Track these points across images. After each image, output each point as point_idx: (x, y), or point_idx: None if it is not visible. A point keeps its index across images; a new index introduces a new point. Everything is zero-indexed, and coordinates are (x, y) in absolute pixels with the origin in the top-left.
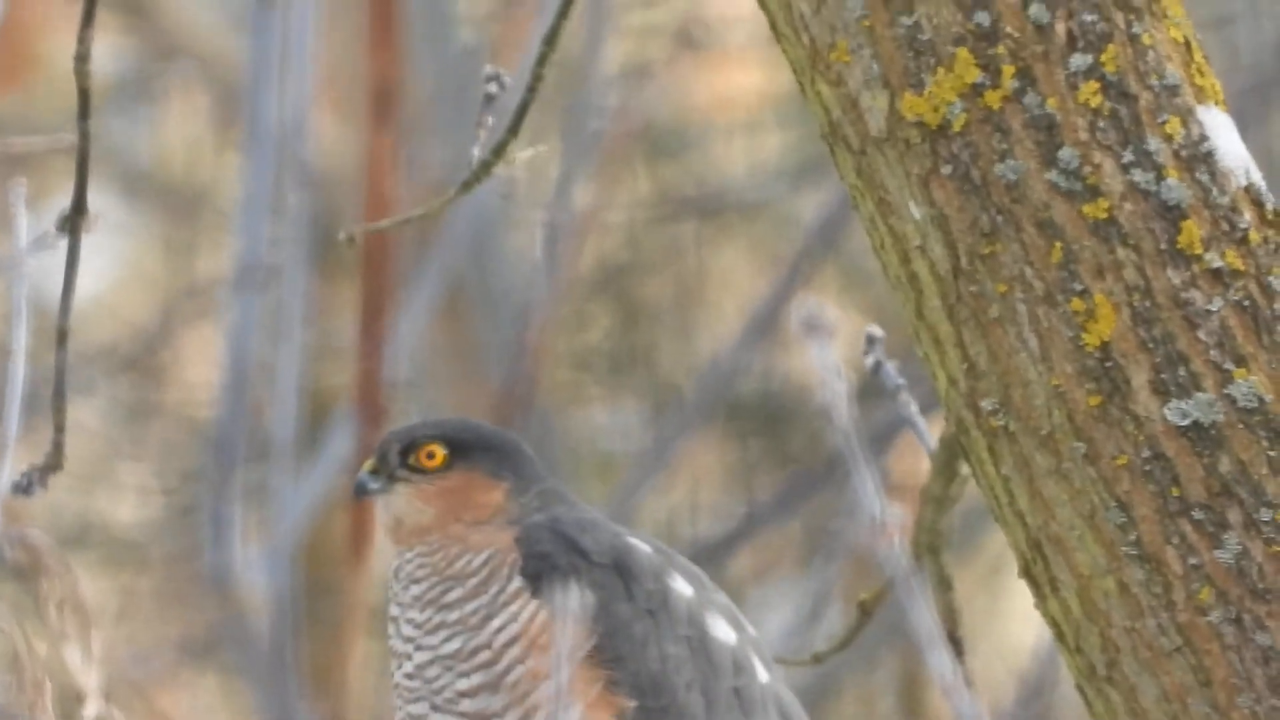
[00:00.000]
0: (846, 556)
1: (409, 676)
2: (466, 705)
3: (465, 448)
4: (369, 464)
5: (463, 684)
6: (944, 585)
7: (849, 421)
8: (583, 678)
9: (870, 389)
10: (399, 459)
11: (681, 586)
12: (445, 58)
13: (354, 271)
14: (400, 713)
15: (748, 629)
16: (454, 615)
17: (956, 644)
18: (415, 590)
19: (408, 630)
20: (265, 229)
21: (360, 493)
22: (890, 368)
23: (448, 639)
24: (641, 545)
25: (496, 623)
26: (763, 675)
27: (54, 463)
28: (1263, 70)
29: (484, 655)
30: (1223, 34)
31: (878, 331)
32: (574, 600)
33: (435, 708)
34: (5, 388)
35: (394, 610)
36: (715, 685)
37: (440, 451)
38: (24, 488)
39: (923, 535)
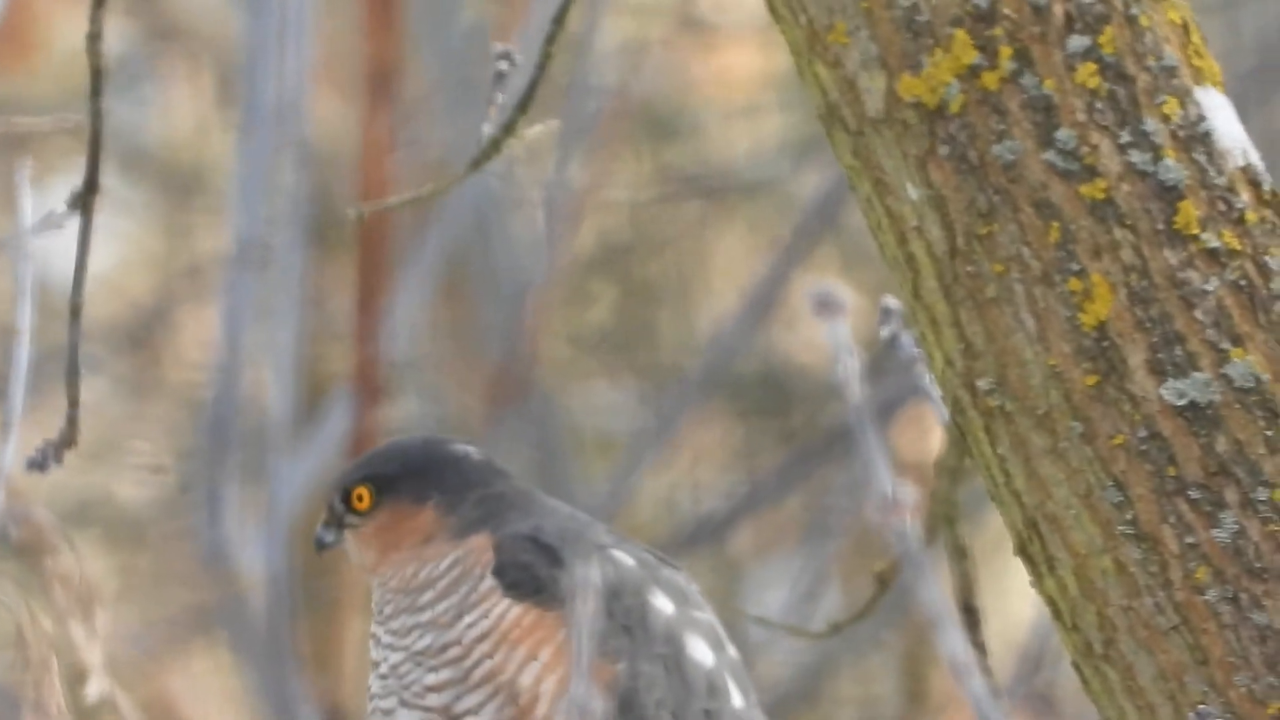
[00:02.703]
0: (846, 534)
1: (383, 677)
2: (433, 699)
3: (389, 480)
4: (322, 516)
5: (431, 679)
6: (960, 555)
7: (861, 402)
8: (562, 662)
9: (879, 361)
10: (343, 506)
11: (662, 603)
12: (444, 37)
13: (352, 250)
14: (372, 709)
15: (729, 650)
16: (426, 616)
17: (973, 613)
18: (389, 609)
19: (386, 639)
20: (262, 208)
21: (319, 547)
22: (906, 339)
23: (420, 637)
24: (625, 558)
25: (467, 619)
26: (737, 700)
27: (68, 438)
28: (1267, 52)
29: (454, 651)
30: (1227, 16)
31: (894, 303)
32: (592, 574)
33: (403, 702)
34: (10, 367)
35: (374, 628)
36: (687, 706)
37: (366, 492)
38: (39, 463)
39: (938, 506)
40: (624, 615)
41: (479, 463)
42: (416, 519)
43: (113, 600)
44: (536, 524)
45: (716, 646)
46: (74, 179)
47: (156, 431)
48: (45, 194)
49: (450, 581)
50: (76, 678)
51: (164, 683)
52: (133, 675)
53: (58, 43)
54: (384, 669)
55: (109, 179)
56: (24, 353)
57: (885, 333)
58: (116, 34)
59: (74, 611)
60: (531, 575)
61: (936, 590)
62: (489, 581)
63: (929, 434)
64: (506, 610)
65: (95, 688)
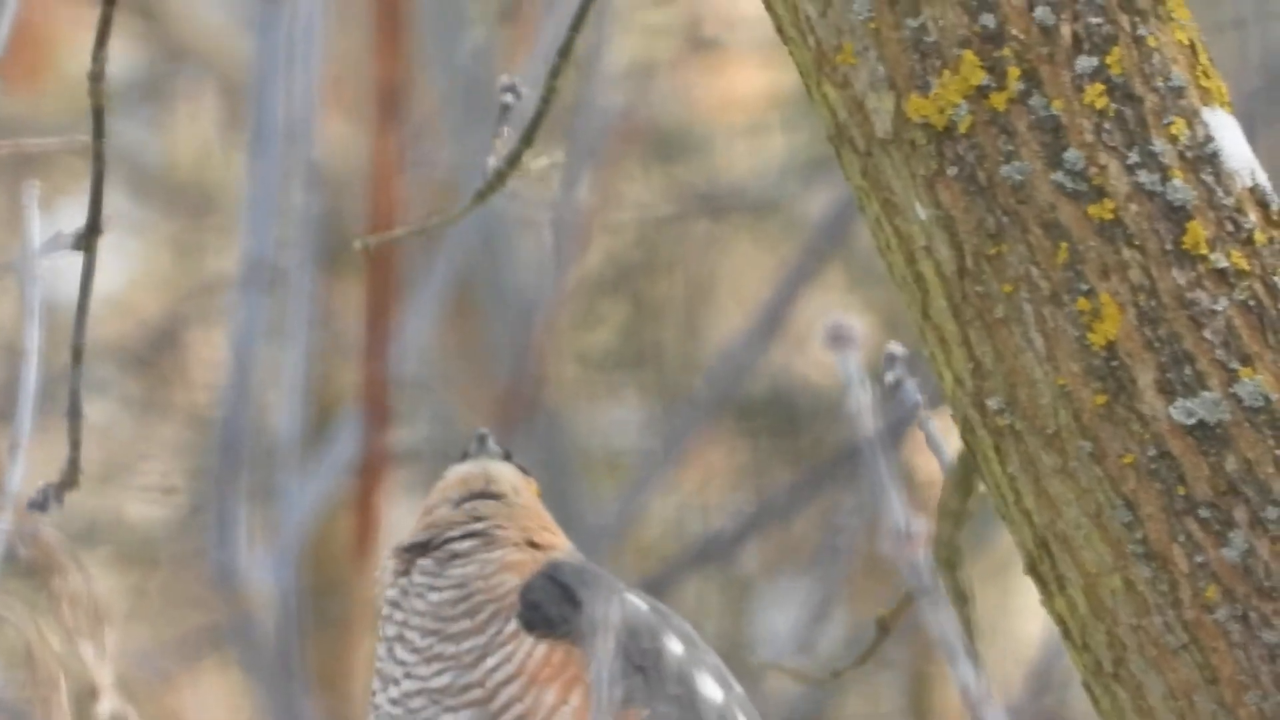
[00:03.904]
0: (855, 554)
1: (394, 702)
2: None
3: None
4: (495, 439)
5: (449, 718)
6: (961, 600)
7: (875, 436)
8: (586, 705)
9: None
10: (519, 465)
11: (674, 646)
12: (453, 58)
13: (360, 271)
14: None
15: (735, 688)
16: (451, 649)
17: (974, 658)
18: (434, 598)
19: (402, 654)
20: (272, 229)
21: (479, 441)
22: (910, 385)
23: (439, 673)
24: (638, 603)
25: (491, 661)
26: None
27: (69, 480)
28: (1274, 73)
29: (476, 693)
30: (1234, 36)
31: (899, 349)
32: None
33: None
34: (17, 389)
35: (391, 628)
36: None
37: (536, 488)
38: (40, 504)
39: (940, 550)
40: (640, 657)
41: None
42: (556, 534)
43: (122, 620)
44: (556, 561)
45: (724, 685)
46: (81, 200)
47: (166, 452)
48: (53, 215)
49: (488, 616)
50: (86, 698)
51: (174, 702)
52: (143, 695)
53: (66, 63)
54: (395, 693)
55: (118, 199)
56: (31, 374)
57: (889, 378)
58: (127, 55)
59: (83, 631)
60: (542, 617)
61: (948, 625)
62: (513, 624)
63: (930, 459)
64: (532, 649)
65: (105, 707)
